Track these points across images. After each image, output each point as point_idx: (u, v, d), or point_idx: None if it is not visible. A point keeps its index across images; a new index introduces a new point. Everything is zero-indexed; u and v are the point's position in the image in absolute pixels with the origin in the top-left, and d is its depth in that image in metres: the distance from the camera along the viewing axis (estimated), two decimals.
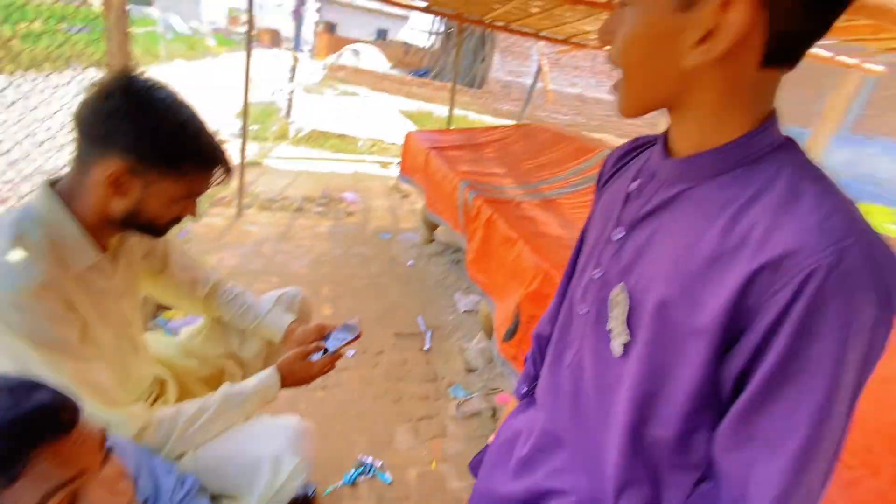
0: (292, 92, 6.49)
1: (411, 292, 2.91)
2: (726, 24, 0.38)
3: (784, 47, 0.40)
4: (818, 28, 0.39)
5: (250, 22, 3.16)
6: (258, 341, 1.24)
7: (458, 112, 14.69)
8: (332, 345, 1.11)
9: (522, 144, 2.85)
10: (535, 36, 5.33)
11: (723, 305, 0.40)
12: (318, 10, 28.73)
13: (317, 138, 6.92)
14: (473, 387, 2.15)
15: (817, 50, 3.78)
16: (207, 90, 10.32)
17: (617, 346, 0.51)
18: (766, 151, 0.43)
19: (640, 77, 0.46)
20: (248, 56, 3.24)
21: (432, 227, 3.58)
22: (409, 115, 12.15)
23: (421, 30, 30.14)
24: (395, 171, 6.14)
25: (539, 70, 7.02)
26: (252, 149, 5.92)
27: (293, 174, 5.14)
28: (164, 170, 0.76)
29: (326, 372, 1.09)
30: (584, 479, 0.56)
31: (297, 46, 6.61)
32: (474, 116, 14.83)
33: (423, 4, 4.79)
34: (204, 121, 0.82)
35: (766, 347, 0.39)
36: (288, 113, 6.95)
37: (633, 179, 0.55)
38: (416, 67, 23.37)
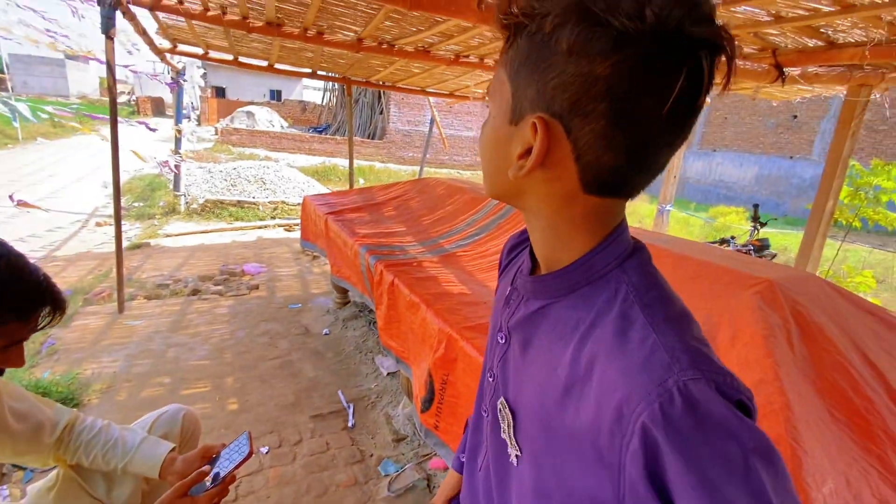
0: (178, 163, 6.08)
1: (328, 365, 2.75)
2: (534, 143, 0.39)
3: (602, 179, 0.39)
4: (632, 165, 0.38)
5: (112, 91, 2.91)
6: (131, 482, 1.05)
7: (363, 163, 14.91)
8: (221, 470, 0.98)
9: (419, 200, 2.92)
10: (423, 92, 5.64)
11: (590, 434, 0.39)
12: (204, 76, 27.85)
13: (212, 209, 6.51)
14: (405, 458, 2.03)
15: None
16: (73, 170, 9.36)
17: (512, 455, 0.50)
18: (607, 269, 0.43)
19: (486, 168, 0.48)
20: (114, 130, 2.97)
21: (344, 289, 3.47)
22: (315, 171, 12.00)
23: (316, 88, 30.48)
24: (300, 233, 5.96)
25: (433, 120, 7.37)
26: (135, 229, 5.40)
27: (187, 252, 4.74)
28: None
29: (218, 502, 0.95)
30: None
31: (178, 118, 6.25)
32: (380, 166, 15.09)
33: (308, 71, 4.86)
34: (21, 261, 0.71)
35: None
36: (176, 185, 6.48)
37: (512, 281, 0.56)
38: (315, 124, 23.40)
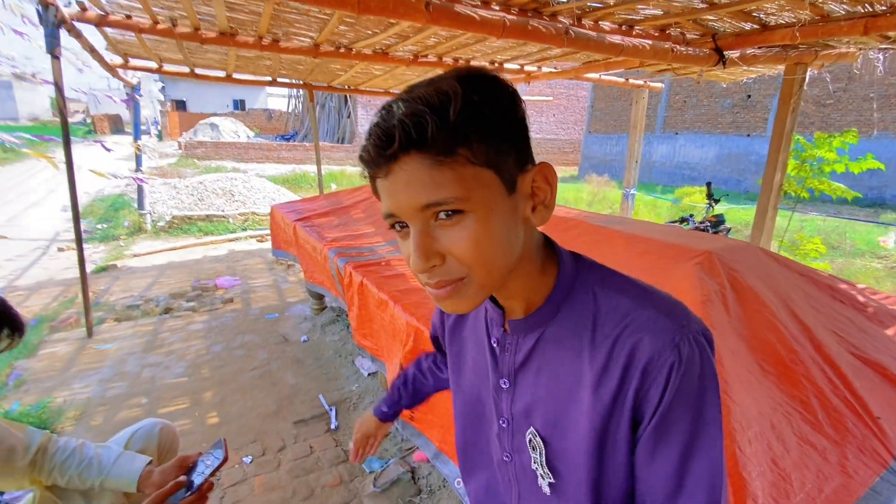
0: (141, 181, 5.93)
1: (308, 371, 2.76)
2: (543, 186, 0.48)
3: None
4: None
5: (62, 112, 2.83)
6: (109, 498, 1.06)
7: (335, 168, 14.78)
8: (197, 478, 1.00)
9: None
10: (387, 93, 5.65)
11: (628, 415, 0.48)
12: (163, 90, 27.05)
13: (179, 225, 6.38)
14: (388, 453, 2.08)
15: (612, 77, 4.60)
16: (30, 195, 8.98)
17: (545, 486, 0.55)
18: (573, 281, 0.52)
19: (498, 268, 0.47)
20: (68, 151, 2.90)
21: (320, 295, 3.47)
22: (285, 180, 11.84)
23: (281, 95, 29.96)
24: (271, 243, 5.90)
25: None
26: (100, 252, 5.25)
27: (156, 270, 4.65)
28: None
29: None
30: None
31: (137, 134, 6.09)
32: (352, 170, 14.97)
33: (268, 79, 4.81)
34: None
35: (664, 429, 0.46)
36: (140, 203, 6.32)
37: (489, 330, 0.61)
38: (283, 132, 23.05)
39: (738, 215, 7.79)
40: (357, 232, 2.50)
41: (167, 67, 4.33)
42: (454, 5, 2.02)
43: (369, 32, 3.10)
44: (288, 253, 3.22)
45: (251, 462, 2.00)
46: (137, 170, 6.07)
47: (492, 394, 0.61)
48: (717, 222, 4.05)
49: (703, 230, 4.02)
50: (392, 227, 0.49)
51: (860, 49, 3.00)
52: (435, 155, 0.42)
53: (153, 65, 4.22)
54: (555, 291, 0.52)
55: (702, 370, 0.46)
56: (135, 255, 5.16)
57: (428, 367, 0.92)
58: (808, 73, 3.17)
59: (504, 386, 0.58)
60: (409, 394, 0.93)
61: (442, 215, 0.44)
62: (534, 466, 0.56)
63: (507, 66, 3.94)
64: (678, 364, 0.45)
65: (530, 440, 0.56)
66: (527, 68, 4.08)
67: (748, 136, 14.07)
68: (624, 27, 2.58)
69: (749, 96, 14.01)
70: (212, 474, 0.99)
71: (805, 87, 3.17)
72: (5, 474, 0.97)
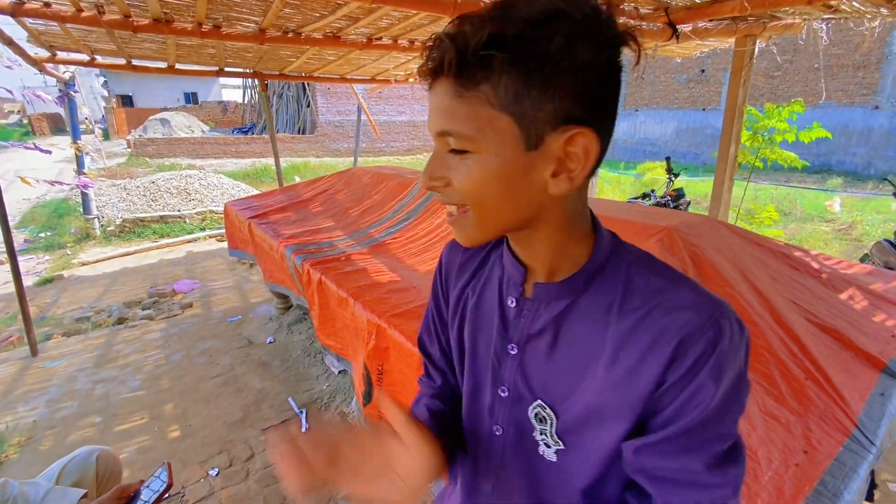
0: (85, 185, 5.55)
1: (276, 374, 2.66)
2: (582, 151, 0.43)
3: (597, 167, 0.46)
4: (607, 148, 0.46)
5: None
6: None
7: (297, 159, 14.33)
8: None
9: (346, 192, 2.84)
10: (343, 80, 5.46)
11: (650, 384, 0.45)
12: (106, 85, 25.39)
13: (132, 229, 6.03)
14: None
15: None
16: None
17: (550, 453, 0.53)
18: (608, 256, 0.50)
19: (493, 212, 0.46)
20: None
21: (284, 294, 3.35)
22: (245, 174, 11.40)
23: (235, 86, 28.65)
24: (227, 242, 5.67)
25: (360, 108, 7.19)
26: (45, 262, 4.90)
27: (108, 278, 4.38)
28: None
29: None
30: None
31: (75, 133, 5.68)
32: (315, 161, 14.57)
33: (214, 69, 4.55)
34: None
35: (690, 400, 0.44)
36: (87, 208, 5.92)
37: (501, 294, 0.56)
38: (240, 125, 22.12)
39: (697, 187, 8.03)
40: (316, 226, 2.40)
41: (100, 60, 4.01)
42: None
43: (317, 15, 2.94)
44: (245, 252, 3.07)
45: (217, 475, 1.91)
46: (80, 172, 5.67)
47: (491, 360, 0.57)
48: (678, 196, 4.13)
49: (665, 204, 4.10)
50: None
51: (805, 20, 3.07)
52: (458, 85, 0.42)
53: (84, 57, 3.90)
54: (589, 262, 0.50)
55: (736, 349, 0.44)
56: (83, 264, 4.85)
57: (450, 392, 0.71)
58: (756, 46, 3.23)
59: (512, 352, 0.54)
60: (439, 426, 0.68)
61: (451, 146, 0.45)
62: (538, 437, 0.54)
63: None
64: (715, 342, 0.43)
65: (537, 413, 0.53)
66: None
67: (704, 110, 14.48)
68: None
69: (703, 71, 14.37)
70: (158, 500, 0.91)
71: (754, 60, 3.24)
72: None
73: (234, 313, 3.49)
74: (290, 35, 3.28)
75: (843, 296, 1.36)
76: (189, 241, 5.74)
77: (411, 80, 5.68)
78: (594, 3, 0.41)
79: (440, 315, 0.68)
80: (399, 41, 3.65)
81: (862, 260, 2.86)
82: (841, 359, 1.07)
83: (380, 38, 3.58)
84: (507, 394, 0.55)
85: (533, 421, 0.54)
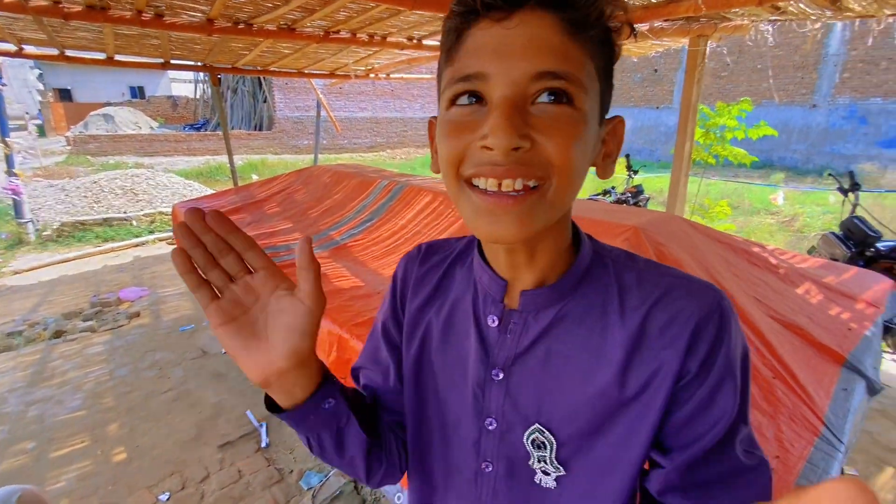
0: (14, 188, 5.09)
1: (232, 386, 2.52)
2: (617, 141, 0.44)
3: None
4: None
5: None
6: None
7: (255, 157, 13.80)
8: None
9: (305, 191, 2.71)
10: (301, 74, 5.26)
11: (671, 382, 0.42)
12: (41, 77, 23.52)
13: (71, 233, 5.60)
14: (328, 466, 1.94)
15: None
16: None
17: (550, 480, 0.48)
18: (591, 255, 0.47)
19: (575, 186, 0.41)
20: None
21: None
22: (198, 173, 10.86)
23: (186, 80, 27.23)
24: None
25: (319, 103, 6.98)
26: None
27: (44, 288, 4.03)
28: None
29: None
30: None
31: (3, 130, 5.20)
32: (273, 158, 14.09)
33: (159, 61, 4.27)
34: None
35: (711, 405, 0.42)
36: (19, 211, 5.44)
37: (477, 314, 0.50)
38: (191, 121, 21.07)
39: (654, 183, 8.32)
40: (272, 229, 2.27)
41: (29, 49, 3.68)
42: None
43: (270, 5, 2.79)
44: None
45: (168, 499, 1.77)
46: (10, 173, 5.20)
47: (472, 391, 0.50)
48: (637, 192, 4.24)
49: (625, 201, 4.20)
50: (453, 100, 0.40)
51: (753, 21, 3.20)
52: (569, 23, 0.37)
53: (11, 47, 3.56)
54: (578, 262, 0.46)
55: (737, 326, 0.44)
56: (16, 273, 4.45)
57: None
58: (708, 47, 3.34)
59: (496, 378, 0.48)
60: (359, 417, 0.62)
61: (545, 97, 0.37)
62: (535, 466, 0.48)
63: (426, 42, 3.78)
64: (724, 322, 0.43)
65: (534, 439, 0.48)
66: None
67: (657, 108, 15.05)
68: None
69: (656, 70, 14.93)
70: None
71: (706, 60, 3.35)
72: None
73: (187, 322, 3.29)
74: (241, 26, 3.11)
75: (800, 290, 1.41)
76: (136, 246, 5.40)
77: (371, 75, 5.56)
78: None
79: (389, 340, 0.59)
80: (358, 35, 3.53)
81: (809, 252, 3.02)
82: (804, 355, 1.09)
83: (338, 32, 3.46)
84: (495, 426, 0.49)
85: (529, 448, 0.48)
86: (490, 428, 0.50)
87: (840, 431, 0.89)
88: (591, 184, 8.54)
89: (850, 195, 2.84)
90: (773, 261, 1.50)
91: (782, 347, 1.07)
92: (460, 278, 0.53)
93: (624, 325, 0.44)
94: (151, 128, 17.92)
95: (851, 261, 2.39)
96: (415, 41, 3.74)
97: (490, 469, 0.51)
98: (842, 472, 0.87)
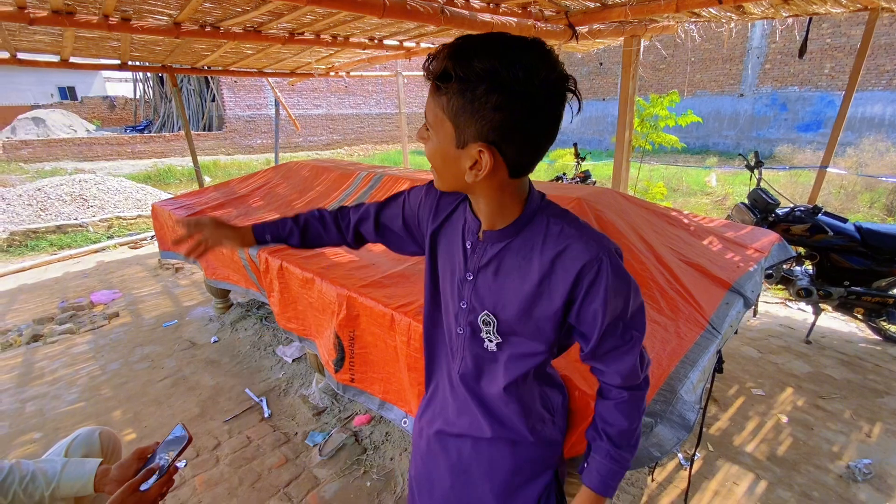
0: None
1: (227, 370, 2.68)
2: (482, 162, 0.64)
3: (518, 169, 0.67)
4: (533, 159, 0.67)
5: None
6: None
7: (206, 158, 13.37)
8: (163, 460, 1.03)
9: (286, 185, 2.89)
10: (261, 73, 5.31)
11: (561, 300, 0.70)
12: None
13: (23, 242, 5.40)
14: (329, 425, 2.17)
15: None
16: None
17: (492, 346, 0.80)
18: (535, 213, 0.73)
19: (439, 174, 0.72)
20: None
21: (224, 292, 3.31)
22: (147, 177, 10.47)
23: (123, 79, 25.60)
24: (152, 248, 5.31)
25: (277, 102, 6.98)
26: None
27: (5, 297, 3.94)
28: None
29: (166, 493, 1.02)
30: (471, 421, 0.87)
31: None
32: (226, 159, 13.69)
33: (117, 62, 4.24)
34: None
35: (597, 311, 0.70)
36: None
37: (463, 237, 0.80)
38: (132, 122, 19.99)
39: (602, 170, 8.91)
40: (261, 219, 2.43)
41: None
42: None
43: (238, 10, 2.93)
44: (179, 253, 3.00)
45: (186, 466, 1.95)
46: None
47: (457, 283, 0.81)
48: (585, 177, 4.66)
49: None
50: None
51: (677, 22, 3.66)
52: (434, 89, 0.63)
53: None
54: (520, 217, 0.73)
55: (617, 270, 0.69)
56: None
57: (333, 220, 1.03)
58: (642, 44, 3.76)
59: (469, 278, 0.79)
60: (298, 232, 1.03)
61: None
62: (484, 335, 0.80)
63: (386, 42, 3.99)
64: (601, 269, 0.68)
65: (484, 319, 0.78)
66: (406, 44, 4.17)
67: (604, 100, 15.87)
68: (491, 5, 2.82)
69: (601, 64, 15.71)
70: (178, 455, 1.03)
71: (641, 56, 3.77)
72: None
73: (169, 318, 3.38)
74: (209, 29, 3.21)
75: (705, 242, 1.80)
76: (97, 251, 5.28)
77: (332, 73, 5.68)
78: (531, 66, 0.57)
79: (400, 206, 0.96)
80: (322, 36, 3.70)
81: (727, 219, 3.53)
82: (702, 283, 1.46)
83: (302, 33, 3.61)
84: (466, 305, 0.80)
85: (481, 324, 0.79)
86: (462, 307, 0.82)
87: (719, 327, 1.26)
88: (545, 172, 9.03)
89: (756, 171, 3.35)
90: (686, 221, 1.89)
91: (685, 277, 1.43)
92: (458, 215, 0.84)
93: (541, 259, 0.71)
94: (88, 131, 16.87)
95: (758, 225, 2.87)
96: (376, 41, 3.96)
97: (461, 332, 0.84)
98: (719, 353, 1.23)
